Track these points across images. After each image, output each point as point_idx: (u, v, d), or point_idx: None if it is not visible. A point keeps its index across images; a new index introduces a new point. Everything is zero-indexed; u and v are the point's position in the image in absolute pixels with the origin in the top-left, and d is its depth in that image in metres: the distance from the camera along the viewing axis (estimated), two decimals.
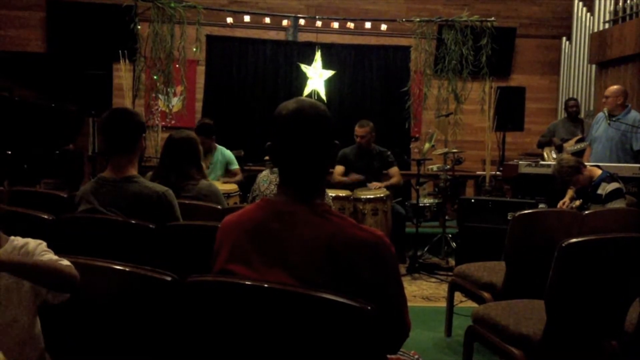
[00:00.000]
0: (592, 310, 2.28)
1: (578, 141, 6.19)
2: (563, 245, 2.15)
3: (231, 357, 1.40)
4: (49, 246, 1.64)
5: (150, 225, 2.21)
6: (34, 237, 1.65)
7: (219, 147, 5.65)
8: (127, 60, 6.53)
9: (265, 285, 1.34)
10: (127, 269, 1.50)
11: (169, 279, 1.43)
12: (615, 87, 5.56)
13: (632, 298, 2.39)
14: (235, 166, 5.67)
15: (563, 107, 7.31)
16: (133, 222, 2.25)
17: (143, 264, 1.53)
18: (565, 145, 6.29)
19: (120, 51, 6.48)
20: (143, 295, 1.48)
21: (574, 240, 2.17)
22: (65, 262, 1.54)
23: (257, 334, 1.35)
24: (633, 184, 4.65)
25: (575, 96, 7.77)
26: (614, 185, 3.92)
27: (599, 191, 3.96)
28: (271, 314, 1.33)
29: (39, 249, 1.61)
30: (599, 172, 4.07)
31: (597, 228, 3.09)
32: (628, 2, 7.16)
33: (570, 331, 2.30)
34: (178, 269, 1.49)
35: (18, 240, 1.63)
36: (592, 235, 2.33)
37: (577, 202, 4.09)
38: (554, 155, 6.30)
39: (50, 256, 1.58)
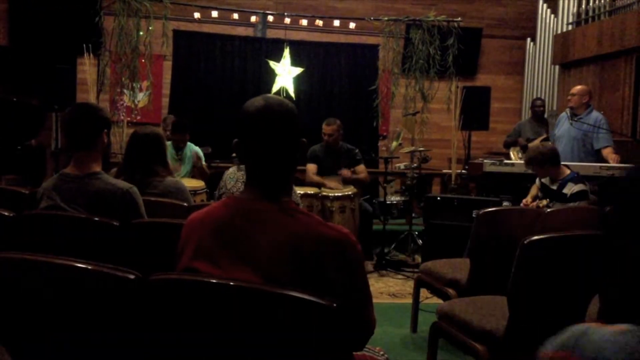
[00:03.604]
0: (553, 306, 2.33)
1: (543, 141, 6.30)
2: (525, 242, 2.19)
3: (197, 356, 1.39)
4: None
5: (114, 222, 2.18)
6: None
7: (188, 142, 5.62)
8: (91, 55, 6.41)
9: (231, 283, 1.33)
10: (89, 267, 1.47)
11: (132, 277, 1.41)
12: (581, 86, 5.69)
13: (591, 294, 2.44)
14: (203, 162, 5.65)
15: (529, 106, 7.44)
16: (96, 219, 2.21)
17: (106, 261, 1.51)
18: (530, 145, 6.39)
19: (84, 45, 6.36)
20: (106, 294, 1.45)
21: (535, 237, 2.22)
22: None
23: (222, 332, 1.34)
24: (594, 182, 4.76)
25: (538, 96, 7.92)
26: (580, 187, 3.99)
27: (565, 190, 4.03)
28: (236, 312, 1.33)
29: None
30: (568, 171, 4.13)
31: (558, 226, 3.15)
32: (590, 4, 7.33)
33: (532, 326, 2.34)
34: (142, 267, 1.47)
35: None
36: (553, 232, 2.38)
37: (545, 201, 4.15)
38: (520, 155, 6.39)
39: None
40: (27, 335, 1.56)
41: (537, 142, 6.37)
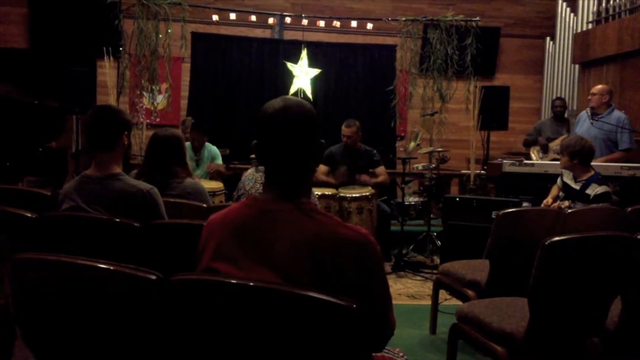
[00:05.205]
0: (575, 308, 2.31)
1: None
2: (546, 243, 2.17)
3: (216, 356, 1.40)
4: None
5: (135, 224, 2.19)
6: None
7: (206, 143, 5.69)
8: (111, 57, 6.48)
9: (251, 284, 1.34)
10: (111, 268, 1.48)
11: (153, 277, 1.42)
12: (602, 85, 5.62)
13: (613, 296, 2.42)
14: (219, 161, 5.71)
15: (550, 106, 7.36)
16: (117, 220, 2.23)
17: (127, 262, 1.52)
18: (550, 144, 6.33)
19: (104, 48, 6.42)
20: (127, 294, 1.46)
21: (556, 238, 2.19)
22: None
23: (242, 333, 1.35)
24: (615, 182, 4.70)
25: (559, 96, 7.84)
26: (604, 188, 3.95)
27: (588, 191, 3.99)
28: (256, 313, 1.33)
29: None
30: (592, 172, 4.09)
31: (579, 226, 3.12)
32: (610, 2, 7.25)
33: (553, 328, 2.32)
34: (163, 268, 1.48)
35: None
36: (574, 233, 2.36)
37: (567, 202, 4.11)
38: (540, 155, 6.34)
39: None
40: (50, 336, 1.58)
41: (557, 141, 6.30)
